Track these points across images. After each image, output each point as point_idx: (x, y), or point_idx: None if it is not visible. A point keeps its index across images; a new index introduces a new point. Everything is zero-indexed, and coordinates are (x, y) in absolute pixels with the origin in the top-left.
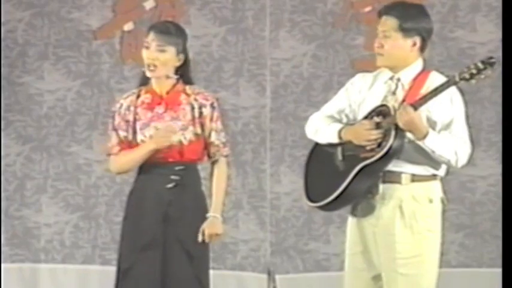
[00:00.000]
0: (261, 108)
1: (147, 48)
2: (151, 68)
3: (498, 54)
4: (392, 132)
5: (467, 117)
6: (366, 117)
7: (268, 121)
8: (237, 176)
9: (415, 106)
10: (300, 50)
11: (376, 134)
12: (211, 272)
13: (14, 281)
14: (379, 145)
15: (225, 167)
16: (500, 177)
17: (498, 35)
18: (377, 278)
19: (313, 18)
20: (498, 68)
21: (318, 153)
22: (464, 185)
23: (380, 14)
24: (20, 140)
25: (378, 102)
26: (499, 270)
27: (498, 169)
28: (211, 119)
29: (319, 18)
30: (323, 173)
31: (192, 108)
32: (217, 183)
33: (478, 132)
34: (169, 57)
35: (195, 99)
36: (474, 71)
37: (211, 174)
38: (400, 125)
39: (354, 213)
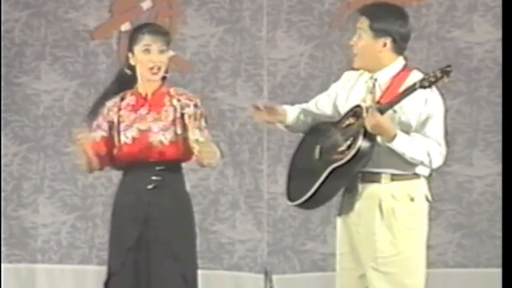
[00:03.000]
0: None
1: (148, 51)
2: (155, 70)
3: (495, 55)
4: (361, 135)
5: (445, 118)
6: (343, 117)
7: None
8: (234, 176)
9: (382, 109)
10: (297, 50)
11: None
12: (208, 272)
13: (11, 281)
14: (349, 147)
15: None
16: (497, 177)
17: (495, 35)
18: (364, 276)
19: (310, 19)
20: (497, 68)
21: (301, 150)
22: (461, 185)
23: (358, 14)
24: (17, 140)
25: (357, 102)
26: (496, 271)
27: (495, 169)
28: (195, 118)
29: (316, 18)
30: (302, 172)
31: (175, 109)
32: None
33: (476, 132)
34: (168, 56)
35: (178, 100)
36: (433, 79)
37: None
38: (368, 128)
39: (340, 213)
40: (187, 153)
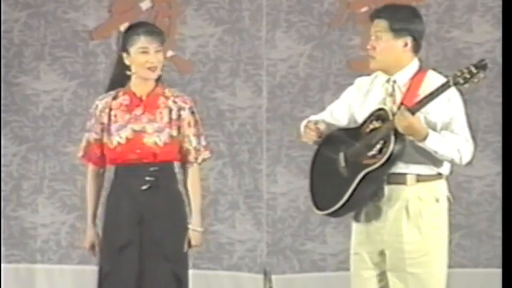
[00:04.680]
0: (257, 108)
1: (146, 52)
2: (153, 69)
3: (494, 55)
4: (392, 138)
5: (467, 115)
6: (365, 122)
7: (265, 121)
8: (234, 177)
9: (413, 110)
10: (296, 50)
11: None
12: (207, 272)
13: (10, 281)
14: (380, 151)
15: (198, 173)
16: (496, 178)
17: (494, 35)
18: (381, 275)
19: (310, 19)
20: (496, 68)
21: (321, 159)
22: (460, 185)
23: (372, 17)
24: (16, 140)
25: (376, 106)
26: (495, 271)
27: (494, 169)
28: (189, 124)
29: (315, 18)
30: (327, 180)
31: (170, 110)
32: (193, 193)
33: (475, 133)
34: (163, 56)
35: (174, 102)
36: (468, 76)
37: (185, 180)
38: (400, 130)
39: (357, 218)
40: (182, 155)
